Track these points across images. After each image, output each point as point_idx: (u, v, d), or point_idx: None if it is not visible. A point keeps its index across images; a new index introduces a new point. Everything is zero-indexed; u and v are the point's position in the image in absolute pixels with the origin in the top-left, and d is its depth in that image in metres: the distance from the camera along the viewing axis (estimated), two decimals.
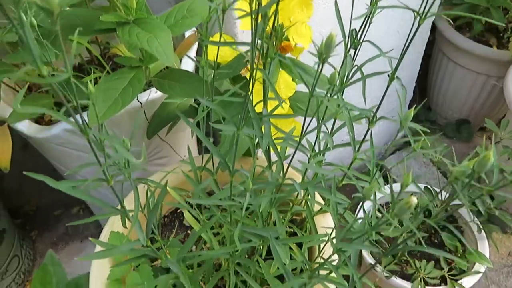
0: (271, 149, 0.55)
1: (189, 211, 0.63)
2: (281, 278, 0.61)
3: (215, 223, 0.71)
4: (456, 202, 0.92)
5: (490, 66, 1.29)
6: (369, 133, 0.45)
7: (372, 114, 0.48)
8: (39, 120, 0.89)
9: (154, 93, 0.80)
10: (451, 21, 1.37)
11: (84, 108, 0.78)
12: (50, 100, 0.76)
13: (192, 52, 0.88)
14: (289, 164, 0.47)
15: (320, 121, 0.44)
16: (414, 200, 0.23)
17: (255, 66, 0.40)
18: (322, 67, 0.32)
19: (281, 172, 0.45)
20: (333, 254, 0.36)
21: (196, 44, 0.91)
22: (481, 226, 1.06)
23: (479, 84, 1.36)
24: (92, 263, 0.70)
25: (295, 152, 0.50)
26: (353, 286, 0.36)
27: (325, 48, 0.29)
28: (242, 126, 0.39)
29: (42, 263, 0.69)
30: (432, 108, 1.60)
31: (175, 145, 0.97)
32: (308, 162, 0.60)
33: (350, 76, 0.48)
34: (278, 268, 0.59)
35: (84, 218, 1.26)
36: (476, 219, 1.08)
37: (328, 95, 0.41)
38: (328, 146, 0.50)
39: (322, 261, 0.61)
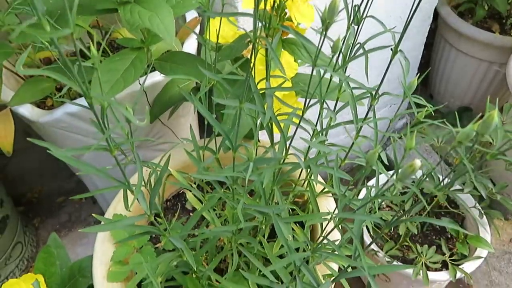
0: (273, 128, 0.55)
1: (191, 192, 0.63)
2: (283, 258, 0.61)
3: (217, 205, 0.72)
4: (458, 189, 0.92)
5: (492, 53, 1.29)
6: (371, 110, 0.45)
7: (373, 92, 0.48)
8: (41, 105, 0.89)
9: (155, 77, 0.80)
10: (453, 8, 1.36)
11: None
12: (51, 84, 0.76)
13: (194, 36, 0.88)
14: (290, 142, 0.47)
15: (321, 96, 0.43)
16: (418, 162, 0.23)
17: (257, 43, 0.40)
18: (325, 34, 0.31)
19: (284, 149, 0.45)
20: (337, 225, 0.36)
21: (198, 28, 0.91)
22: (482, 211, 1.06)
23: (482, 70, 1.35)
24: (96, 245, 0.70)
25: (296, 129, 0.50)
26: (356, 259, 0.37)
27: (328, 13, 0.29)
28: (244, 101, 0.39)
29: (45, 245, 0.69)
30: (434, 96, 1.60)
31: (177, 131, 0.97)
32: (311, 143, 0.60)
33: (352, 54, 0.48)
34: (280, 248, 0.60)
35: (87, 206, 1.27)
36: (477, 204, 1.08)
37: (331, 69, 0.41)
38: (331, 124, 0.50)
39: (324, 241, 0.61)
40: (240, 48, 0.63)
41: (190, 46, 0.86)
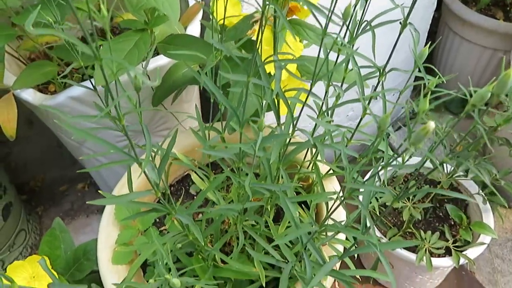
0: (280, 108, 0.55)
1: (196, 174, 0.63)
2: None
3: (222, 189, 0.72)
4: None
5: (497, 40, 1.28)
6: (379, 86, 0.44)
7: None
8: (43, 90, 0.88)
9: (159, 61, 0.80)
10: None
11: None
12: (54, 68, 0.75)
13: (197, 21, 0.87)
14: (297, 121, 0.47)
15: (327, 71, 0.43)
16: (432, 124, 0.23)
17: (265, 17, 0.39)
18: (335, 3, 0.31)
19: (291, 125, 0.44)
20: (347, 195, 0.36)
21: (201, 13, 0.90)
22: (486, 198, 1.06)
23: (486, 58, 1.34)
24: (100, 228, 0.70)
25: (302, 108, 0.49)
26: (365, 231, 0.36)
27: None
28: (252, 76, 0.39)
29: (50, 228, 0.69)
30: (437, 84, 1.59)
31: (180, 117, 0.97)
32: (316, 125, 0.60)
33: (360, 30, 0.48)
34: (285, 229, 0.59)
35: (89, 194, 1.27)
36: (481, 191, 1.07)
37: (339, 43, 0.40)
38: (337, 102, 0.50)
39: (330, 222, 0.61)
40: (245, 28, 0.62)
41: (193, 31, 0.85)
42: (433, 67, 0.37)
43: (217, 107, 0.57)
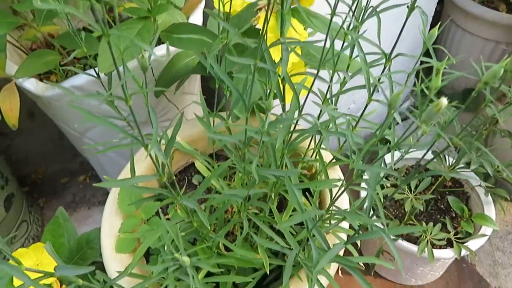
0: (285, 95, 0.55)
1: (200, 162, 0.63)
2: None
3: (225, 177, 0.71)
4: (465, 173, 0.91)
5: (499, 32, 1.28)
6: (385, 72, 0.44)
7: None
8: (46, 79, 0.88)
9: (161, 51, 0.80)
10: None
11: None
12: (56, 56, 0.75)
13: (199, 11, 0.87)
14: (303, 106, 0.47)
15: (333, 54, 0.43)
16: (444, 101, 0.23)
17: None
18: None
19: (297, 110, 0.44)
20: (355, 178, 0.36)
21: (203, 3, 0.90)
22: (487, 190, 1.06)
23: (488, 51, 1.34)
24: (103, 218, 0.70)
25: (308, 94, 0.49)
26: (371, 213, 0.36)
27: None
28: (258, 60, 0.39)
29: (53, 217, 0.69)
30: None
31: (181, 108, 0.97)
32: (320, 112, 0.60)
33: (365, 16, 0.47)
34: (289, 216, 0.59)
35: (91, 186, 1.27)
36: (483, 183, 1.07)
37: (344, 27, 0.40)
38: (343, 88, 0.49)
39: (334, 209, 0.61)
40: (249, 16, 0.62)
41: (196, 20, 0.85)
42: (442, 48, 0.37)
43: (222, 95, 0.57)
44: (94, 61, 0.85)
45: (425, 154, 0.35)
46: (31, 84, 0.79)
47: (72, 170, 1.37)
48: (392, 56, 0.47)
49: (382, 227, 0.43)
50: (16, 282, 0.59)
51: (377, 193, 0.54)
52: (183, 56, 0.79)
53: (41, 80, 0.84)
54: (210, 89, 0.66)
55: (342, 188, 0.45)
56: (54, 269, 0.37)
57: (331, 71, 0.51)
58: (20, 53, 0.91)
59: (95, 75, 0.58)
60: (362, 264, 0.54)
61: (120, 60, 0.59)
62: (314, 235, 0.45)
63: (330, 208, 0.43)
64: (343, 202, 0.64)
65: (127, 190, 0.70)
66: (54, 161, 1.37)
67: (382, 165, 0.51)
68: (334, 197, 0.50)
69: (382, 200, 0.92)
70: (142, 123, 0.95)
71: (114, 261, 0.65)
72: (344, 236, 0.61)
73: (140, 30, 0.62)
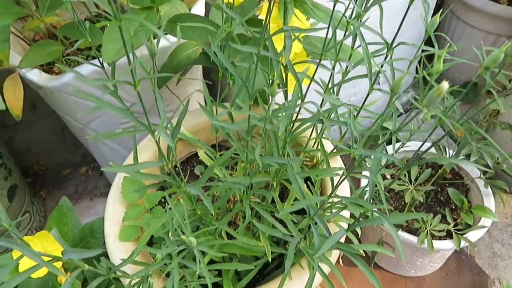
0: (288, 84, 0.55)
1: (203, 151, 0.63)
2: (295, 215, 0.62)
3: (227, 167, 0.72)
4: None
5: (500, 25, 1.28)
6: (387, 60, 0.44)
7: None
8: (48, 72, 0.88)
9: (164, 42, 0.80)
10: None
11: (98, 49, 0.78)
12: (59, 47, 0.76)
13: (201, 2, 0.87)
14: (305, 94, 0.47)
15: (335, 42, 0.43)
16: (445, 84, 0.23)
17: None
18: None
19: (299, 97, 0.45)
20: (357, 165, 0.36)
21: None
22: (487, 182, 1.07)
23: (489, 43, 1.34)
24: (107, 207, 0.71)
25: (310, 84, 0.50)
26: (373, 198, 0.37)
27: None
28: (261, 47, 0.39)
29: (57, 205, 0.70)
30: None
31: (184, 99, 0.97)
32: (322, 101, 0.60)
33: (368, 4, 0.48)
34: (291, 205, 0.60)
35: (93, 178, 1.27)
36: (482, 175, 1.08)
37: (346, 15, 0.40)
38: (345, 77, 0.50)
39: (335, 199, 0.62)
40: (252, 6, 0.63)
41: (198, 11, 0.85)
42: (444, 35, 0.38)
43: (224, 86, 0.58)
44: (98, 51, 0.86)
45: (425, 140, 0.35)
46: (35, 75, 0.79)
47: (75, 162, 1.37)
48: (393, 45, 0.47)
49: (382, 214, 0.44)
50: (22, 268, 0.60)
51: (379, 186, 0.55)
52: (185, 48, 0.80)
53: (44, 71, 0.85)
54: (212, 82, 0.66)
55: (344, 176, 0.45)
56: (61, 253, 0.38)
57: (333, 62, 0.52)
58: (23, 44, 0.91)
59: (99, 65, 0.59)
60: (362, 252, 0.55)
61: (130, 46, 0.60)
62: (316, 222, 0.46)
63: (332, 195, 0.43)
64: (344, 191, 0.65)
65: (130, 179, 0.71)
66: (57, 153, 1.37)
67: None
68: (336, 184, 0.51)
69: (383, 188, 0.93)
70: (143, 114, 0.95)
71: (118, 249, 0.66)
72: (345, 226, 0.62)
73: (144, 20, 0.62)
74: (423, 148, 1.18)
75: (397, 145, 1.14)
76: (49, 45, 0.74)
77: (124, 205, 0.71)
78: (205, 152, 0.64)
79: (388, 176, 1.14)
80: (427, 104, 0.25)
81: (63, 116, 0.96)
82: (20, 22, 0.92)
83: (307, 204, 0.42)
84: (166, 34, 0.75)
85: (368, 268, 0.48)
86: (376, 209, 0.42)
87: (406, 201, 1.02)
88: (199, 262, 0.36)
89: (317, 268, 0.48)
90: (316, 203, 0.53)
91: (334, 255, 0.62)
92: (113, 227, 0.68)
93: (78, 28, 0.75)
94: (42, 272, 0.60)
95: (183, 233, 0.40)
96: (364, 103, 0.54)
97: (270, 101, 0.36)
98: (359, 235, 0.66)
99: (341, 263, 0.64)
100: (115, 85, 0.58)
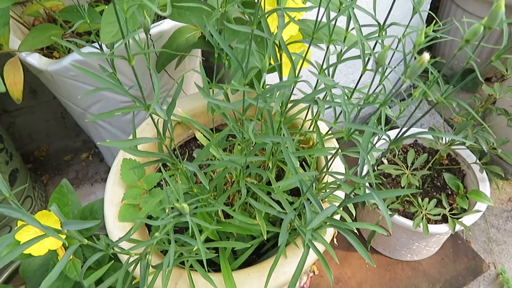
0: (282, 67, 0.56)
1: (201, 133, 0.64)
2: (289, 192, 0.63)
3: (225, 149, 0.73)
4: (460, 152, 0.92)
5: None
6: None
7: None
8: (49, 56, 0.89)
9: (162, 26, 0.81)
10: None
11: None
12: (59, 31, 0.76)
13: None
14: (299, 71, 0.48)
15: (329, 19, 0.44)
16: (426, 56, 0.24)
17: None
18: None
19: (294, 77, 0.46)
20: (346, 139, 0.37)
21: None
22: (483, 167, 1.08)
23: (487, 31, 1.34)
24: (106, 188, 0.72)
25: (302, 63, 0.50)
26: (362, 173, 0.38)
27: None
28: (255, 26, 0.40)
29: (58, 186, 0.71)
30: (438, 58, 1.60)
31: (181, 84, 0.98)
32: (317, 83, 0.61)
33: None
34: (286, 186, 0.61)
35: (93, 163, 1.29)
36: (478, 161, 1.09)
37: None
38: (340, 58, 0.51)
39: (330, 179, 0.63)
40: None
41: None
42: (432, 13, 0.38)
43: (222, 66, 0.58)
44: (97, 36, 0.86)
45: (412, 114, 0.36)
46: (35, 59, 0.80)
47: (75, 148, 1.39)
48: (385, 27, 0.48)
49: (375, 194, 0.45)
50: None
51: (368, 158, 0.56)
52: (184, 32, 0.80)
53: (44, 55, 0.86)
54: (210, 69, 0.67)
55: (338, 159, 0.47)
56: (61, 226, 0.39)
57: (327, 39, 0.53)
58: (22, 29, 0.92)
59: (98, 48, 0.60)
60: (356, 231, 0.56)
61: (129, 25, 0.61)
62: (308, 199, 0.47)
63: (324, 169, 0.44)
64: (339, 167, 0.66)
65: (129, 161, 0.72)
66: (57, 139, 1.38)
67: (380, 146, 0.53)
68: (329, 159, 0.52)
69: (374, 164, 0.94)
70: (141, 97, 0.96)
71: (117, 229, 0.67)
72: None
73: (142, 3, 0.63)
74: (422, 134, 1.19)
75: (395, 131, 1.15)
76: (49, 29, 0.75)
77: (123, 187, 0.72)
78: (202, 133, 0.65)
79: (386, 162, 1.15)
80: (410, 75, 0.26)
81: (63, 100, 0.97)
82: (20, 7, 0.93)
83: (300, 179, 0.43)
84: (163, 19, 0.75)
85: (361, 246, 0.50)
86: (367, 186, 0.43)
87: (403, 186, 1.03)
88: (192, 230, 0.37)
89: (310, 244, 0.49)
90: (310, 183, 0.54)
91: (329, 235, 0.64)
92: (112, 208, 0.70)
93: (78, 12, 0.76)
94: (43, 249, 0.62)
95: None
96: (357, 84, 0.54)
97: (262, 77, 0.37)
98: (354, 216, 0.67)
99: (335, 242, 0.65)
100: (113, 67, 0.59)
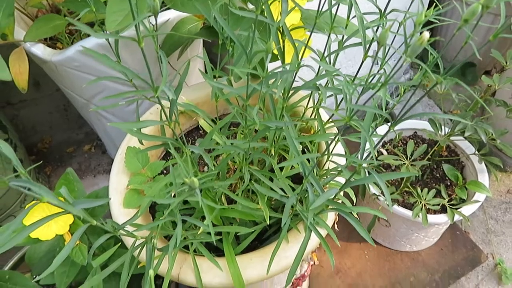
0: (284, 52, 0.57)
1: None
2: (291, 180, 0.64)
3: (228, 137, 0.74)
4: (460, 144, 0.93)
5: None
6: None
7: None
8: (53, 47, 0.90)
9: (165, 16, 0.82)
10: None
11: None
12: (63, 21, 0.77)
13: None
14: (301, 59, 0.49)
15: (330, 5, 0.45)
16: (427, 34, 0.25)
17: None
18: None
19: (296, 62, 0.47)
20: (347, 120, 0.39)
21: None
22: (481, 158, 1.09)
23: (488, 23, 1.35)
24: (111, 176, 0.74)
25: (305, 50, 0.51)
26: (364, 153, 0.39)
27: None
28: (259, 11, 0.41)
29: (64, 173, 0.72)
30: (438, 51, 1.61)
31: (184, 74, 0.99)
32: (319, 70, 0.62)
33: None
34: (288, 172, 0.63)
35: (96, 155, 1.30)
36: (477, 152, 1.11)
37: None
38: (342, 46, 0.52)
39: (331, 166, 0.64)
40: None
41: None
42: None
43: (225, 56, 0.60)
44: (102, 25, 0.87)
45: (410, 97, 0.37)
46: (39, 49, 0.81)
47: (78, 140, 1.40)
48: (386, 13, 0.49)
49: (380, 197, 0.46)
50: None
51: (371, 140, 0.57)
52: (187, 22, 0.81)
53: (48, 46, 0.87)
54: (212, 62, 0.68)
55: (339, 144, 0.48)
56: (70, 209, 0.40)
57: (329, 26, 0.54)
58: (26, 20, 0.93)
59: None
60: (356, 215, 0.57)
61: (125, 21, 0.62)
62: (311, 182, 0.48)
63: (325, 152, 0.46)
64: (340, 159, 0.67)
65: (134, 149, 0.74)
66: (60, 131, 1.40)
67: (378, 141, 0.54)
68: (330, 143, 0.53)
69: (374, 149, 0.95)
70: (146, 87, 0.97)
71: (122, 215, 0.68)
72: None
73: None
74: (418, 124, 1.21)
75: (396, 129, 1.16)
76: (53, 19, 0.76)
77: (127, 175, 0.73)
78: (205, 121, 0.66)
79: (385, 153, 1.17)
80: (410, 54, 0.27)
81: (67, 91, 0.98)
82: None
83: (301, 160, 0.44)
84: (166, 9, 0.76)
85: (361, 227, 0.51)
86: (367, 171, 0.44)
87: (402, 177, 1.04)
88: (202, 202, 0.38)
89: (311, 227, 0.50)
90: (312, 167, 0.56)
91: (330, 220, 0.65)
92: (117, 195, 0.71)
93: (82, 1, 0.77)
94: (50, 234, 0.63)
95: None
96: (358, 70, 0.56)
97: (265, 60, 0.38)
98: (354, 204, 0.69)
99: (336, 228, 0.67)
100: (118, 56, 0.61)
